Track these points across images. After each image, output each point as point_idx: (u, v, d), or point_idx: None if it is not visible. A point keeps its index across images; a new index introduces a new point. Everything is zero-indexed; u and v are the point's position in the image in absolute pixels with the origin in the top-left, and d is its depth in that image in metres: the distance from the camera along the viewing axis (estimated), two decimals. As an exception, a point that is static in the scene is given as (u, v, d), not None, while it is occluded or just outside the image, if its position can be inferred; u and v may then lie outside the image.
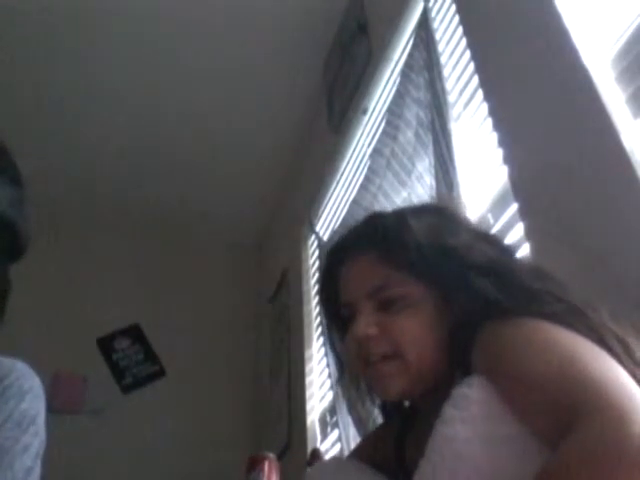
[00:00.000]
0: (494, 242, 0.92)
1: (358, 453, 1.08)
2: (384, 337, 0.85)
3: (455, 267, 0.84)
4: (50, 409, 3.42)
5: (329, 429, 2.41)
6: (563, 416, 0.58)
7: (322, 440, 2.45)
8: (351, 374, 1.04)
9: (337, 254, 0.98)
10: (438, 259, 0.85)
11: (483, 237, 0.91)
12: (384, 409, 1.07)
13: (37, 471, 0.90)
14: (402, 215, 0.94)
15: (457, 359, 0.79)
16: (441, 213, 0.96)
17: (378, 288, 0.87)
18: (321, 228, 2.81)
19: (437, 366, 0.84)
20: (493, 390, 0.68)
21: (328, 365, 2.33)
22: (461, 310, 0.82)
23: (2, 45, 2.67)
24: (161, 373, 3.37)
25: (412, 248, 0.86)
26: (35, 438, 0.90)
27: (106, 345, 3.34)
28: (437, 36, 1.87)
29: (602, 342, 0.70)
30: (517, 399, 0.66)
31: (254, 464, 1.25)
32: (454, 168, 1.57)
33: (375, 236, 0.91)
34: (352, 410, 2.03)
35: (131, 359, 3.37)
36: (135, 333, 3.42)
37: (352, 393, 1.07)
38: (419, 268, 0.86)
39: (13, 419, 0.88)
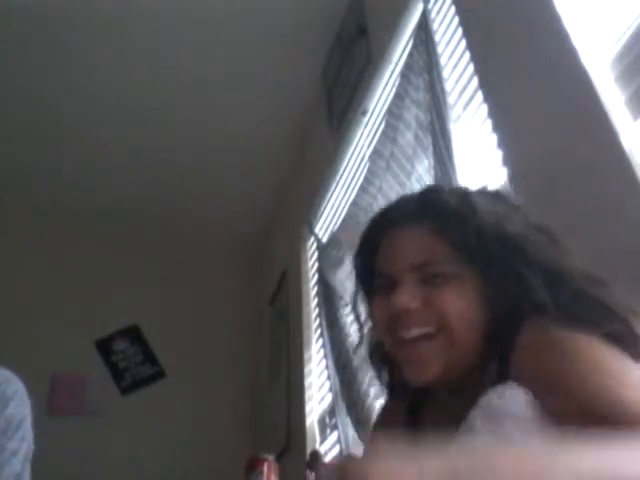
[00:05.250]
0: (548, 235, 0.85)
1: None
2: (426, 312, 0.80)
3: (510, 258, 0.79)
4: (50, 411, 3.39)
5: (328, 431, 2.40)
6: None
7: (321, 442, 2.45)
8: (371, 345, 0.99)
9: (384, 219, 0.91)
10: (495, 246, 0.80)
11: (537, 228, 0.85)
12: (391, 390, 1.00)
13: (26, 475, 0.90)
14: (465, 192, 0.88)
15: (494, 353, 0.76)
16: (499, 198, 0.90)
17: (425, 262, 0.82)
18: (320, 229, 2.81)
19: (474, 352, 0.79)
20: (528, 403, 0.65)
21: (327, 367, 2.33)
22: (507, 304, 0.78)
23: (1, 46, 2.67)
24: (160, 374, 3.37)
25: (471, 228, 0.80)
26: (22, 443, 0.90)
27: (105, 346, 3.34)
28: (437, 37, 1.87)
29: None
30: (562, 418, 0.63)
31: (253, 465, 1.25)
32: (454, 169, 1.57)
33: (433, 208, 0.85)
34: (351, 411, 2.03)
35: (130, 360, 3.36)
36: (134, 334, 3.42)
37: (366, 367, 1.00)
38: (473, 250, 0.80)
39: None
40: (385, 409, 1.03)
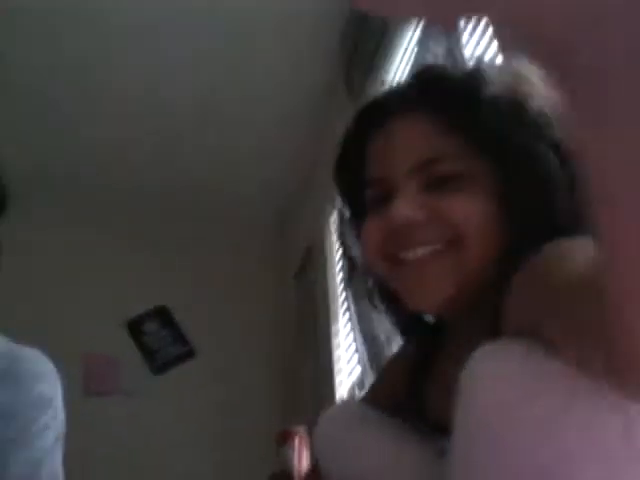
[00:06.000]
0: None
1: (373, 396, 0.84)
2: (433, 225, 0.62)
3: (538, 146, 0.60)
4: (86, 391, 3.44)
5: (358, 403, 2.41)
6: None
7: (352, 414, 2.46)
8: (365, 275, 0.82)
9: (372, 112, 0.71)
10: (518, 131, 0.61)
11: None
12: (404, 329, 0.83)
13: (58, 453, 0.89)
14: (475, 67, 0.68)
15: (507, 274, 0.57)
16: (520, 76, 0.65)
17: (429, 160, 0.64)
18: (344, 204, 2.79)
19: (490, 273, 0.62)
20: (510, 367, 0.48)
21: (355, 340, 2.33)
22: (532, 210, 0.60)
23: (2, 43, 2.68)
24: (191, 354, 3.41)
25: (485, 105, 0.61)
26: (54, 420, 0.88)
27: (136, 327, 3.39)
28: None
29: None
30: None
31: (285, 438, 1.27)
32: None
33: (434, 86, 0.66)
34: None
35: (161, 341, 3.41)
36: (163, 315, 3.46)
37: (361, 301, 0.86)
38: (489, 138, 0.62)
39: (29, 401, 0.87)
40: (394, 356, 0.88)
